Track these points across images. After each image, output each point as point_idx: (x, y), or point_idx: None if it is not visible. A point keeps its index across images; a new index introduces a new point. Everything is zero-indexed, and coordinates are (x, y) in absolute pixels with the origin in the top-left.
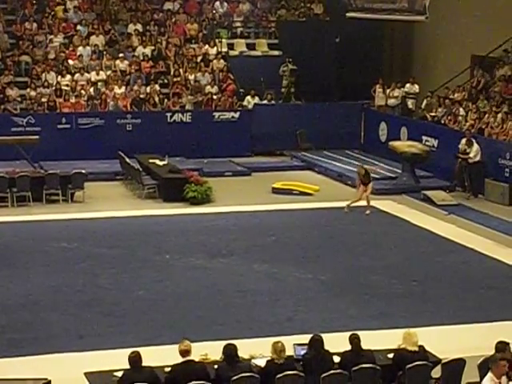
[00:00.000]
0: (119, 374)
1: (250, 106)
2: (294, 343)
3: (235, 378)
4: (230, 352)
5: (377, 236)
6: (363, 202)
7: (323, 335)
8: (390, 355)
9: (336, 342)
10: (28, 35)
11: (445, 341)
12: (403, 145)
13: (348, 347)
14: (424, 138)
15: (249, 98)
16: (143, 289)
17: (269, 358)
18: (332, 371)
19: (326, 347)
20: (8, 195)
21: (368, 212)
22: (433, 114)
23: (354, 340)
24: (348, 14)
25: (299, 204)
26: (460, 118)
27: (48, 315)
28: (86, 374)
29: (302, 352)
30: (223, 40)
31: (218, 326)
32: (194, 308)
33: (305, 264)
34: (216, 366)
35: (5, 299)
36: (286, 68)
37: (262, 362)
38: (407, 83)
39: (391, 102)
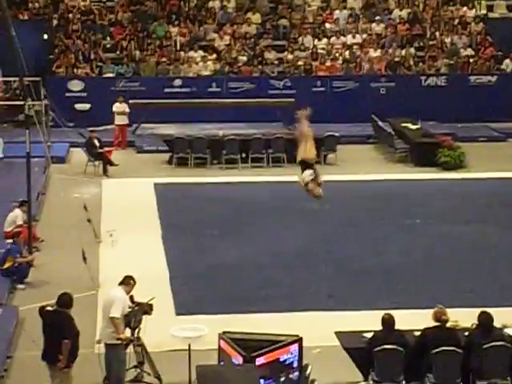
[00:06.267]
0: (369, 334)
1: (509, 70)
2: None
3: (487, 345)
4: (486, 320)
5: None
6: None
7: None
8: None
9: None
10: None
11: None
12: None
13: None
14: None
15: (507, 61)
16: (393, 251)
17: None
18: None
19: None
20: (264, 156)
21: None
22: None
23: None
24: None
25: None
26: None
27: (300, 274)
28: (336, 333)
29: None
30: (482, 2)
31: (467, 293)
32: (446, 273)
33: None
34: (468, 333)
35: (259, 257)
36: None
37: None
38: None
39: None
